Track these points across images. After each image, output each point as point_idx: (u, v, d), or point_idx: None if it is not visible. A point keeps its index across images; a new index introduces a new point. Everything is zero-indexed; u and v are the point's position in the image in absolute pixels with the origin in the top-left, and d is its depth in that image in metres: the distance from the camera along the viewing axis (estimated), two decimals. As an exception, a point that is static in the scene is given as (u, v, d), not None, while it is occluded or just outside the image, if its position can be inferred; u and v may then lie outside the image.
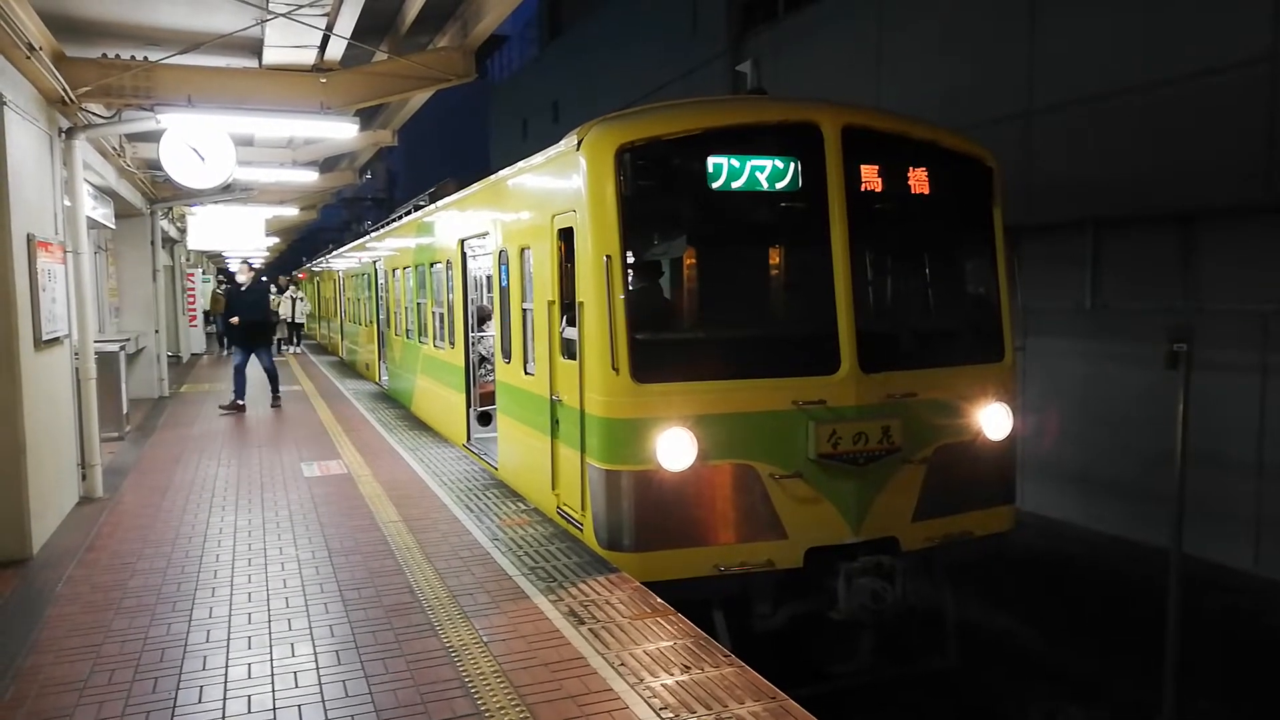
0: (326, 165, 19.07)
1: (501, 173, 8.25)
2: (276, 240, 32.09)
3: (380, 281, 16.64)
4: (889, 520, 6.00)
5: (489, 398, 9.88)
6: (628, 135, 5.78)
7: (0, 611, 5.30)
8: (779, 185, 5.90)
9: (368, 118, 14.92)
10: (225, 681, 4.29)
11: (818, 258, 5.93)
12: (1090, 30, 10.07)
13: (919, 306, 7.04)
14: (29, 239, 6.55)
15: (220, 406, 13.49)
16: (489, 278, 10.38)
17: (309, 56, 8.93)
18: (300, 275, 36.21)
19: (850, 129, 5.99)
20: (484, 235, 8.89)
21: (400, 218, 15.26)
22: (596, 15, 24.24)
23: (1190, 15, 9.01)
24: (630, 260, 5.88)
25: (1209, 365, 8.43)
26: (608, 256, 5.66)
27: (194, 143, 9.46)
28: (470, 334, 10.06)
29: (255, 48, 9.02)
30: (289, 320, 25.63)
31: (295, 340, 26.09)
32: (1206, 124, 8.87)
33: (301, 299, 26.41)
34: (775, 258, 6.49)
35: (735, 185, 5.82)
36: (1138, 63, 9.47)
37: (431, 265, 11.55)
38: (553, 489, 6.84)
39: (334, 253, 27.28)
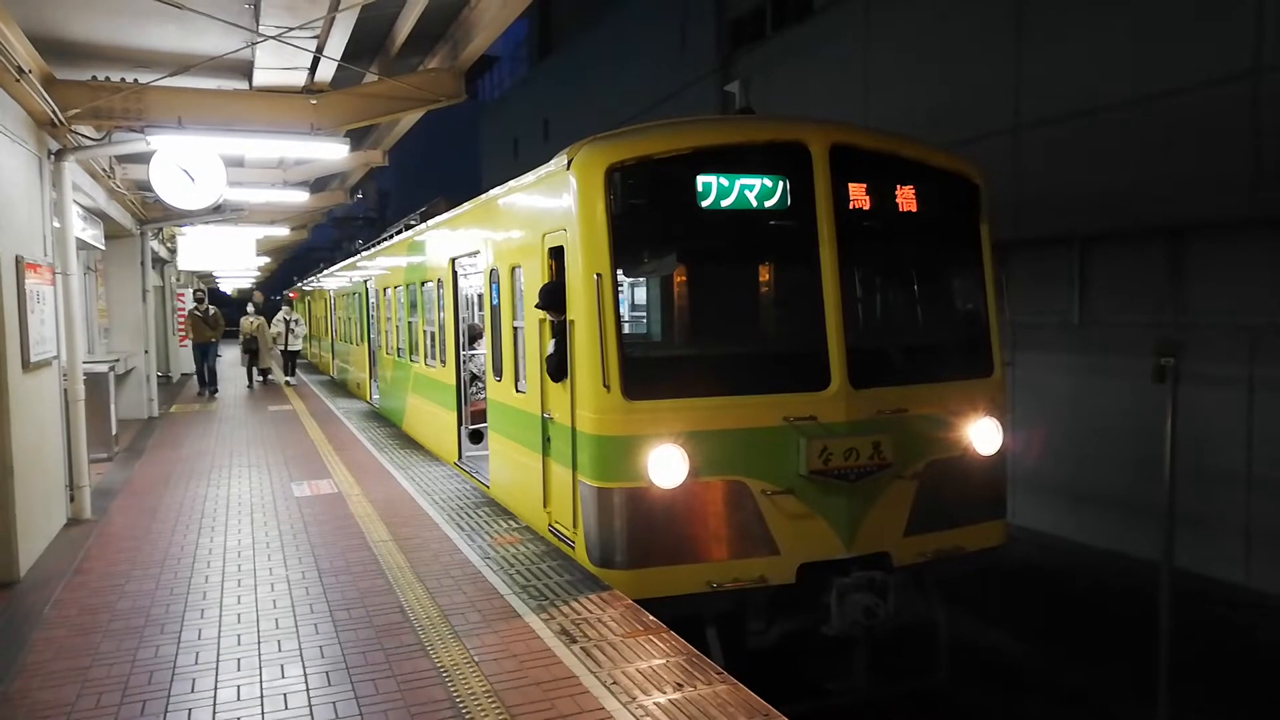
0: (317, 185, 19.08)
1: (492, 192, 8.27)
2: (267, 260, 32.06)
3: (371, 300, 16.63)
4: (881, 536, 6.00)
5: (480, 416, 9.86)
6: (618, 155, 5.82)
7: (-14, 635, 5.25)
8: (768, 204, 5.94)
9: (358, 138, 14.95)
10: (214, 704, 4.26)
11: (807, 275, 5.97)
12: (1076, 47, 10.19)
13: (908, 323, 7.08)
14: (18, 261, 6.55)
15: None
16: (480, 296, 10.39)
17: (299, 78, 8.97)
18: (291, 295, 35.71)
19: (838, 147, 6.05)
20: (475, 254, 8.92)
21: (391, 237, 15.27)
22: (586, 35, 24.43)
23: (1176, 33, 9.13)
24: (620, 278, 5.90)
25: (1198, 379, 8.48)
26: (598, 274, 5.68)
27: (184, 164, 9.46)
28: (461, 352, 10.05)
29: (246, 69, 9.05)
30: (283, 347, 21.18)
31: (290, 369, 21.61)
32: (1192, 140, 8.97)
33: (297, 321, 21.66)
34: (765, 275, 6.52)
35: (724, 204, 5.86)
36: (1124, 79, 9.59)
37: (423, 284, 11.55)
38: (544, 507, 6.82)
39: (325, 272, 27.16)
